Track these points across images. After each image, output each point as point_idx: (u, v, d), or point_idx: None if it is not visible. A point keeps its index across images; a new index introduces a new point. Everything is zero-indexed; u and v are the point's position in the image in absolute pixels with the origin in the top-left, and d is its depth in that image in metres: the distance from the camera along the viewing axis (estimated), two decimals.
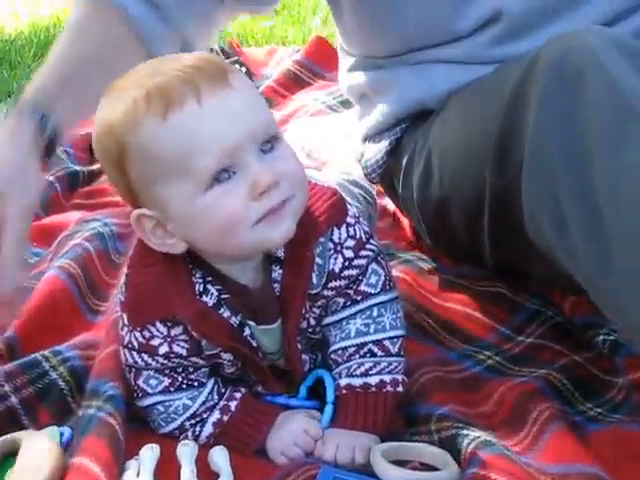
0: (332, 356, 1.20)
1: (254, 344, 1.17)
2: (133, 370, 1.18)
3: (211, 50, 2.61)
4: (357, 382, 1.17)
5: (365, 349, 1.18)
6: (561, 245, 1.12)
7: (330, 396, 1.20)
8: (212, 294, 1.14)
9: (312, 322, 1.20)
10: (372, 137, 1.59)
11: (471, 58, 1.40)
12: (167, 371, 1.17)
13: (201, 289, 1.13)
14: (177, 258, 1.12)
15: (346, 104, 2.19)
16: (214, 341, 1.15)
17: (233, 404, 1.19)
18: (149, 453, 1.13)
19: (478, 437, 1.13)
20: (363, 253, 1.17)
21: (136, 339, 1.15)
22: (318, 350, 1.25)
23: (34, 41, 2.94)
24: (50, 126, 1.25)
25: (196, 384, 1.19)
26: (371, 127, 1.57)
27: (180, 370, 1.18)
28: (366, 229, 1.19)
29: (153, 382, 1.17)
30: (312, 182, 1.17)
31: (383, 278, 1.19)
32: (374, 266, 1.18)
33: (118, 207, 1.83)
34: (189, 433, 1.18)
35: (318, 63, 2.52)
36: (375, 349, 1.18)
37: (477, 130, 1.33)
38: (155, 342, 1.15)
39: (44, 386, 1.24)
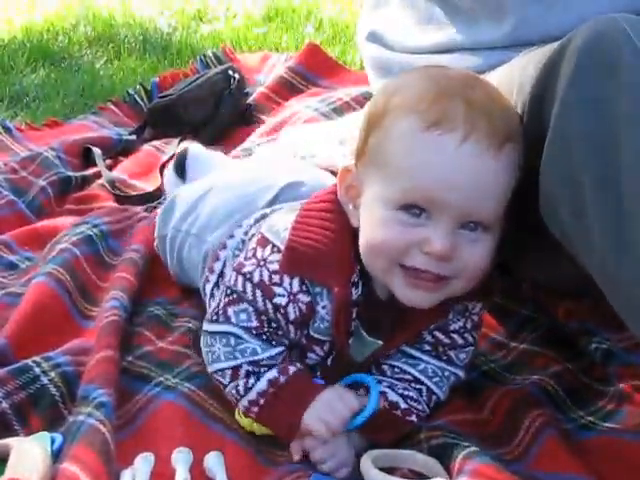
0: (384, 367, 1.22)
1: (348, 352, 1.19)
2: (233, 295, 1.16)
3: (204, 56, 2.62)
4: (393, 397, 1.20)
5: (418, 385, 1.22)
6: (576, 227, 1.09)
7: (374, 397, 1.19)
8: (358, 292, 1.15)
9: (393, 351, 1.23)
10: None
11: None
12: (264, 317, 1.15)
13: (355, 280, 1.14)
14: (354, 240, 1.13)
15: (338, 111, 2.19)
16: (336, 330, 1.15)
17: (292, 369, 1.17)
18: (144, 462, 1.13)
19: (468, 446, 1.13)
20: (473, 334, 1.24)
21: (261, 276, 1.14)
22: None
23: (27, 46, 2.92)
24: None
25: (274, 343, 1.17)
26: None
27: (274, 326, 1.16)
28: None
29: (243, 316, 1.15)
30: None
31: (467, 361, 1.24)
32: (470, 349, 1.24)
33: None
34: (240, 383, 1.16)
35: (311, 70, 2.52)
36: (424, 392, 1.22)
37: None
38: (275, 290, 1.14)
39: (35, 391, 1.23)
